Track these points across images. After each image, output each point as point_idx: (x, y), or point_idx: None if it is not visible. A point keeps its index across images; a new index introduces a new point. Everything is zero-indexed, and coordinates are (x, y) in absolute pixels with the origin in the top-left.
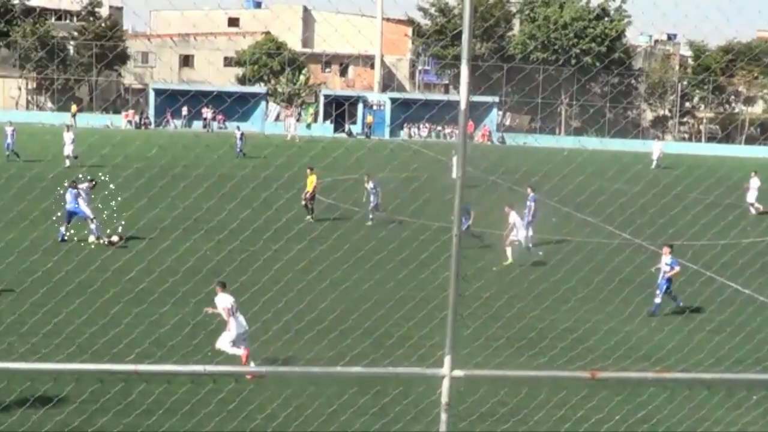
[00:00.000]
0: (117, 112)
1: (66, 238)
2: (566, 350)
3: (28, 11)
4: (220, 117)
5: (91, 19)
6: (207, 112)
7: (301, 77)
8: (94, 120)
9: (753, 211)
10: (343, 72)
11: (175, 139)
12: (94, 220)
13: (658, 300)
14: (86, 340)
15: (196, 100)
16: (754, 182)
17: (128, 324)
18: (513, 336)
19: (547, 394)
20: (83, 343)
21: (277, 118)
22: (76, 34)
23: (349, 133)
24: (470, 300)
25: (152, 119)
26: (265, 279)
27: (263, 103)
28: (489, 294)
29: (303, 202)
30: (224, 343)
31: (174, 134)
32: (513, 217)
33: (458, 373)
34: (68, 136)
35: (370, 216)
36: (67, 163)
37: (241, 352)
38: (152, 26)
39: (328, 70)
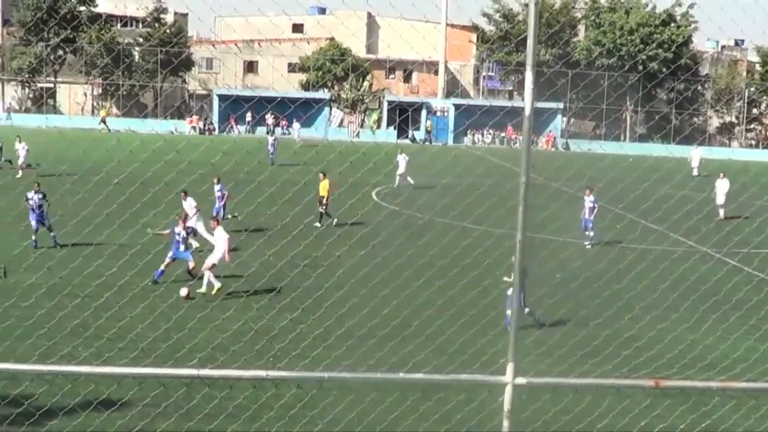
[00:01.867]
0: (181, 117)
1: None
2: (630, 358)
3: (94, 18)
4: (284, 123)
5: (157, 25)
6: (269, 118)
7: (365, 83)
8: (159, 126)
9: (721, 214)
10: (407, 78)
11: (239, 145)
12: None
13: (527, 309)
14: (149, 344)
15: (259, 105)
16: (722, 184)
17: (191, 329)
18: (576, 344)
19: (610, 403)
20: (146, 348)
21: (341, 124)
22: (141, 40)
23: (413, 139)
24: (533, 307)
25: (216, 125)
26: (328, 285)
27: (327, 108)
28: (552, 301)
29: (320, 209)
30: None
31: (238, 140)
32: (219, 234)
33: (521, 380)
34: (20, 147)
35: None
36: (20, 173)
37: None
38: (217, 32)
39: (392, 76)
